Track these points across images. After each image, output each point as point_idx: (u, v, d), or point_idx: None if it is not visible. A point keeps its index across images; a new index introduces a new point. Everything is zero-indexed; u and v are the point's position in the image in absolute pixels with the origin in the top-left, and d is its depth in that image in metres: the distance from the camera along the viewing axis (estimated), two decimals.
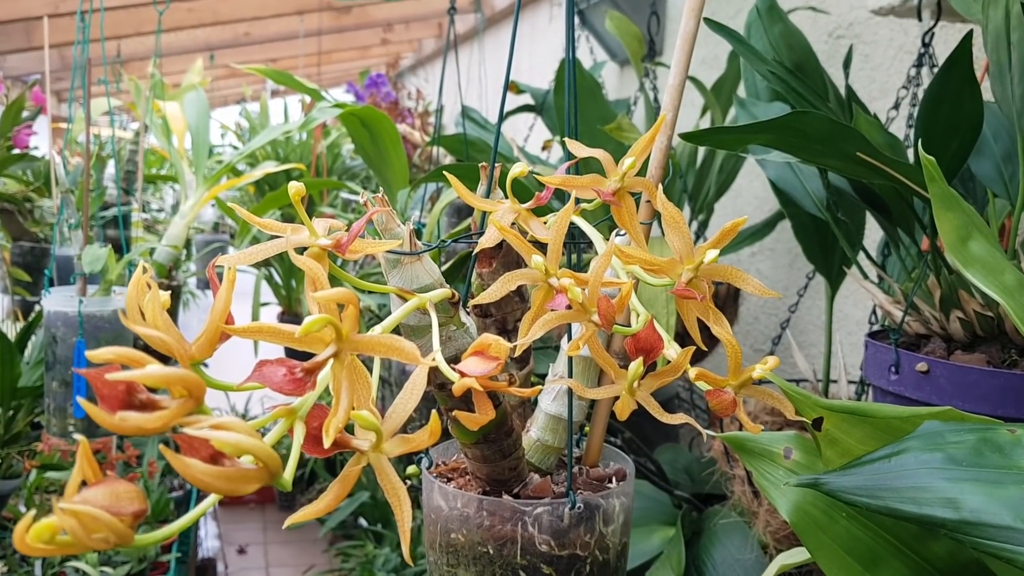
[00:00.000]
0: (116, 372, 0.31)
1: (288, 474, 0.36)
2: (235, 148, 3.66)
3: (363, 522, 2.73)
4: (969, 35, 0.80)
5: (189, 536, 2.51)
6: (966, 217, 0.60)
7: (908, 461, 0.49)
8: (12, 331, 2.27)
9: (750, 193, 1.91)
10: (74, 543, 0.30)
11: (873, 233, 1.40)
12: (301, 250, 0.49)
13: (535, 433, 0.76)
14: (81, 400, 0.30)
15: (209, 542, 3.26)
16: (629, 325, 0.59)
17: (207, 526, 3.37)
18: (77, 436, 0.31)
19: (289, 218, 2.81)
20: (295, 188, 0.46)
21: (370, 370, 0.46)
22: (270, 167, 2.50)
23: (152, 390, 0.34)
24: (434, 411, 0.41)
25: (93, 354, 0.31)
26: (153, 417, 0.31)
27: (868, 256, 1.04)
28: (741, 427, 1.20)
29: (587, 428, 0.83)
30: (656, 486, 1.46)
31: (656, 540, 1.32)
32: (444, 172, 0.74)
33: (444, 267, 1.25)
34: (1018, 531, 0.43)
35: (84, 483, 0.31)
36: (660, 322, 1.26)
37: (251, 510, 3.60)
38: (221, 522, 3.45)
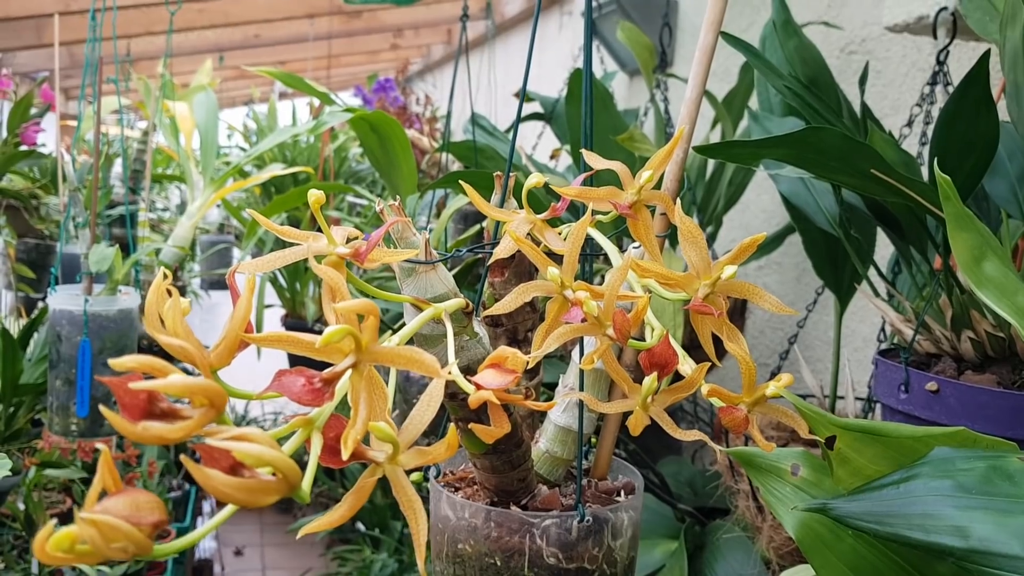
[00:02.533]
0: (138, 381, 0.31)
1: (306, 485, 0.36)
2: (243, 150, 3.67)
3: (361, 526, 2.72)
4: (987, 54, 0.80)
5: None
6: (981, 237, 0.60)
7: (917, 488, 0.49)
8: (15, 328, 2.27)
9: (758, 207, 1.91)
10: (93, 552, 0.30)
11: (882, 250, 1.39)
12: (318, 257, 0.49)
13: (544, 444, 0.76)
14: (104, 409, 0.29)
15: (206, 543, 3.25)
16: (643, 339, 0.59)
17: (204, 527, 3.36)
18: (99, 445, 0.31)
19: (295, 221, 2.81)
20: (315, 196, 0.46)
21: (385, 381, 0.46)
22: (277, 169, 2.50)
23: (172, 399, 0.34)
24: (452, 425, 0.40)
25: (116, 362, 0.31)
26: (175, 427, 0.31)
27: (879, 273, 1.04)
28: (747, 442, 1.20)
29: (595, 440, 0.82)
30: (659, 499, 1.45)
31: (658, 553, 1.32)
32: (459, 180, 0.74)
33: (451, 273, 1.25)
34: None
35: (104, 492, 0.31)
36: None
37: (249, 512, 3.59)
38: None
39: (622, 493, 0.76)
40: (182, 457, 0.30)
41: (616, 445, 1.53)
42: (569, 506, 0.72)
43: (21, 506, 2.12)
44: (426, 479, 0.77)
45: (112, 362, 0.30)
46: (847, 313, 1.55)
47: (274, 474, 0.33)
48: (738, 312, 1.64)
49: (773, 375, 1.49)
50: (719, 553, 1.25)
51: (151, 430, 0.30)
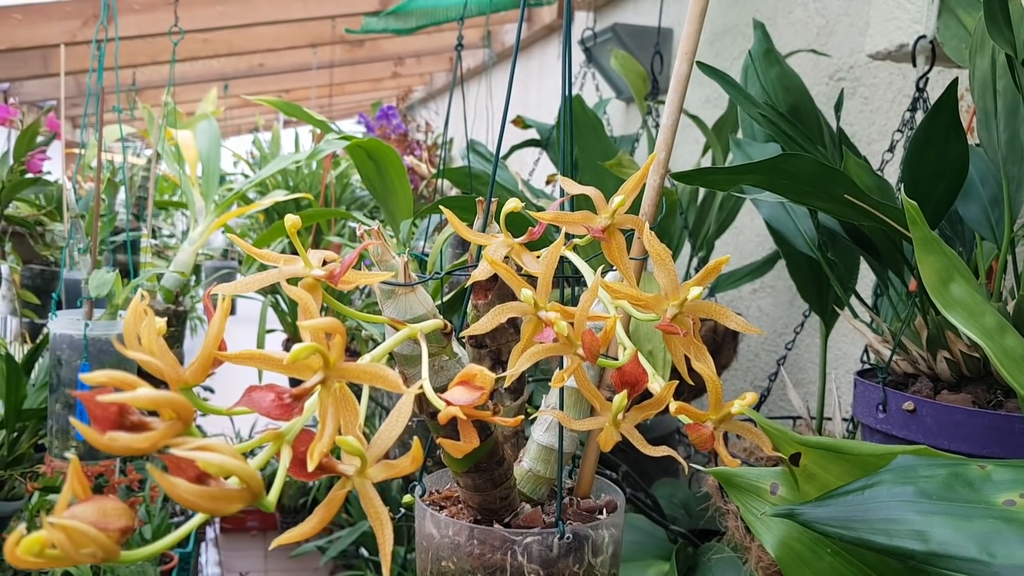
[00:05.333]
0: (109, 394, 0.32)
1: (272, 496, 0.37)
2: (247, 176, 3.71)
3: (364, 552, 2.72)
4: (955, 82, 0.82)
5: (189, 563, 2.51)
6: (947, 260, 0.62)
7: (881, 493, 0.50)
8: (19, 353, 2.30)
9: (751, 231, 1.93)
10: (63, 557, 0.31)
11: (869, 273, 1.41)
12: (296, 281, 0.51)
13: (527, 463, 0.77)
14: (74, 420, 0.31)
15: (210, 569, 3.26)
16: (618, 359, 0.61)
17: (208, 553, 3.37)
18: (68, 455, 0.33)
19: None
20: (291, 221, 0.48)
21: (360, 398, 0.47)
22: (280, 196, 2.53)
23: (148, 413, 0.36)
24: (416, 438, 0.42)
25: (88, 376, 0.32)
26: (141, 437, 0.32)
27: (858, 297, 1.06)
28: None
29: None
30: (653, 520, 1.46)
31: (651, 574, 1.33)
32: (442, 206, 0.76)
33: (447, 298, 1.27)
34: (984, 564, 0.44)
35: (74, 500, 0.33)
36: (658, 356, 1.28)
37: (252, 537, 3.59)
38: (222, 549, 3.44)
39: (604, 511, 0.78)
40: (148, 467, 0.32)
41: (610, 468, 1.54)
42: (551, 524, 0.73)
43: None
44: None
45: (84, 376, 0.32)
46: (838, 336, 1.56)
47: (239, 484, 0.35)
48: (731, 336, 1.65)
49: (764, 398, 1.50)
50: (710, 574, 1.26)
51: (119, 440, 0.32)
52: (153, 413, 0.37)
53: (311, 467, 0.39)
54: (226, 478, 0.35)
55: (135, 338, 0.40)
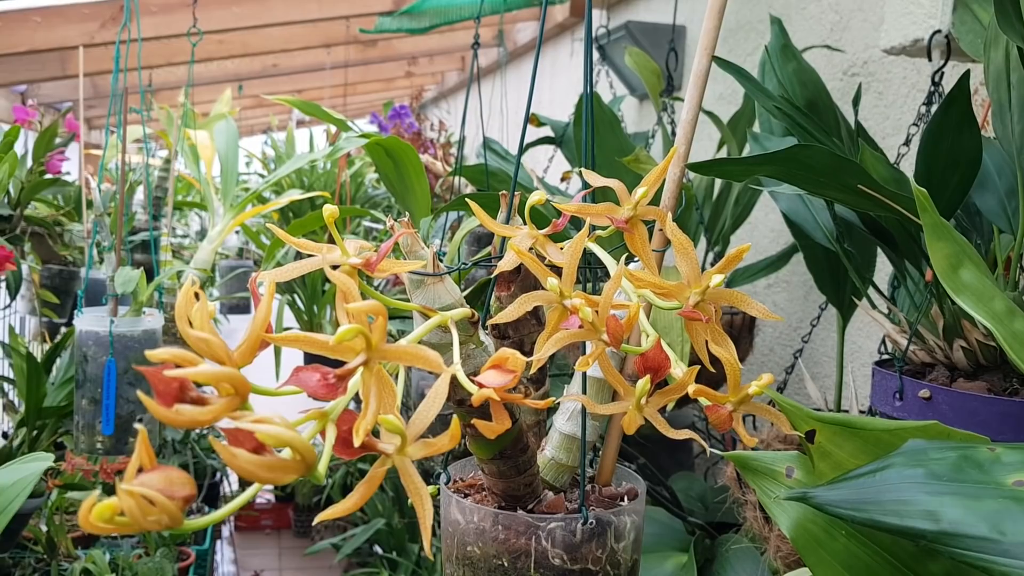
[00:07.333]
0: (172, 370, 0.34)
1: (322, 468, 0.39)
2: (261, 176, 3.74)
3: (378, 549, 2.74)
4: (967, 74, 0.83)
5: (206, 560, 2.54)
6: (957, 246, 0.63)
7: (892, 476, 0.52)
8: (39, 352, 2.33)
9: (766, 226, 1.94)
10: (131, 523, 0.33)
11: (886, 265, 1.42)
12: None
13: (550, 452, 0.79)
14: (141, 395, 0.33)
15: (225, 567, 3.29)
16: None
17: (223, 551, 3.40)
18: (137, 425, 0.35)
19: None
20: (329, 211, 0.50)
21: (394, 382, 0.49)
22: (295, 195, 2.55)
23: (199, 388, 0.38)
24: (455, 417, 0.44)
25: (152, 353, 0.34)
26: (204, 410, 0.34)
27: (876, 288, 1.07)
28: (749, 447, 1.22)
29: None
30: (671, 513, 1.48)
31: (669, 566, 1.34)
32: (467, 200, 0.78)
33: (464, 293, 1.29)
34: (994, 542, 0.46)
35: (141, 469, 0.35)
36: (675, 349, 1.29)
37: (267, 536, 3.62)
38: (237, 547, 3.47)
39: (625, 498, 0.79)
40: (211, 439, 0.34)
41: (630, 460, 1.56)
42: (574, 510, 0.75)
43: (43, 528, 2.16)
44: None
45: (149, 353, 0.34)
46: (854, 329, 1.57)
47: (293, 456, 0.37)
48: (747, 329, 1.67)
49: (780, 390, 1.51)
50: (728, 564, 1.27)
51: (184, 413, 0.34)
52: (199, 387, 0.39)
53: (356, 443, 0.41)
54: (280, 450, 0.37)
55: (186, 320, 0.42)
